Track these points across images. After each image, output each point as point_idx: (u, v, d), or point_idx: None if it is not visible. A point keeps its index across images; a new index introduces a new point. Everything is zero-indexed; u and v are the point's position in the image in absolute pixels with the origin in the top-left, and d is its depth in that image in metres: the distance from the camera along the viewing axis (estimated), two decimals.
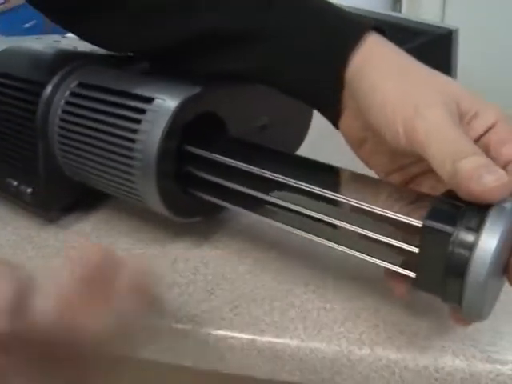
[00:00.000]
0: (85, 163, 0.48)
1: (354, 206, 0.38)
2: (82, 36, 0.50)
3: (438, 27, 0.67)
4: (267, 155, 0.45)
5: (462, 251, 0.33)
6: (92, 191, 0.51)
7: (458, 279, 0.34)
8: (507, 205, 0.34)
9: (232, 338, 0.42)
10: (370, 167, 0.44)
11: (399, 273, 0.38)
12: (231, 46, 0.44)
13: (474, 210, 0.34)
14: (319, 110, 0.44)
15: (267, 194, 0.42)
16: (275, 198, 0.42)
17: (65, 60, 0.50)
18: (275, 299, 0.44)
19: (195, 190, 0.46)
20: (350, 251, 0.40)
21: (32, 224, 0.54)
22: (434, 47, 0.66)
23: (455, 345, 0.40)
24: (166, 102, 0.43)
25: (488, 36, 1.88)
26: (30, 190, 0.50)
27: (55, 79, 0.48)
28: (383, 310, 0.43)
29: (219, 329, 0.42)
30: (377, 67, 0.40)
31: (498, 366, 0.39)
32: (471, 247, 0.33)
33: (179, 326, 0.42)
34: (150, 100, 0.44)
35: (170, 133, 0.43)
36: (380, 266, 0.38)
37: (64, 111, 0.48)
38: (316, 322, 0.42)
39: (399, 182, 0.43)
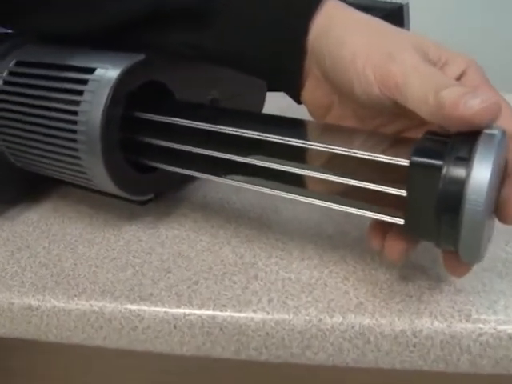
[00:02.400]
0: (28, 145, 0.41)
1: (330, 154, 0.33)
2: (23, 30, 0.44)
3: (389, 3, 0.64)
4: (223, 113, 0.40)
5: (454, 185, 0.28)
6: (37, 181, 0.45)
7: (453, 218, 0.29)
8: (496, 131, 0.29)
9: (190, 314, 0.36)
10: None
11: (385, 230, 0.33)
12: (177, 22, 0.39)
13: (463, 140, 0.29)
14: (282, 85, 0.39)
15: (221, 151, 0.37)
16: (231, 154, 0.37)
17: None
18: (236, 273, 0.38)
19: (144, 159, 0.40)
20: (330, 204, 0.35)
21: None
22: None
23: (432, 306, 0.35)
24: (108, 71, 0.37)
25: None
26: None
27: None
28: (352, 277, 0.38)
29: (178, 306, 0.36)
30: (342, 24, 0.35)
31: (480, 325, 0.34)
32: (464, 179, 0.28)
33: (133, 306, 0.37)
34: (91, 70, 0.38)
35: (113, 101, 0.37)
36: (351, 231, 0.33)
37: (2, 91, 0.42)
38: (281, 292, 0.36)
39: None
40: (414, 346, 0.34)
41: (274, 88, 0.40)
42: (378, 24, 0.35)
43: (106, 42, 0.41)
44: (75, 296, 0.37)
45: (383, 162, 0.31)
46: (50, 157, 0.41)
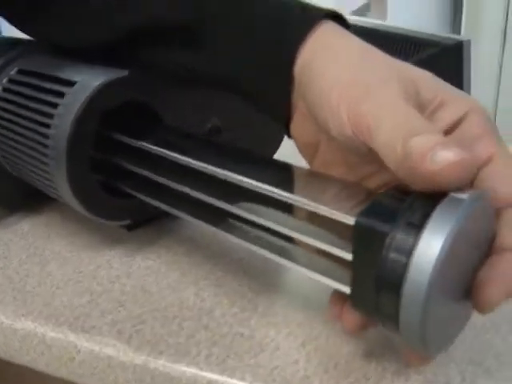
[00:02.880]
0: (14, 154, 0.41)
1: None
2: (31, 34, 0.45)
3: (449, 38, 0.57)
4: (202, 146, 0.37)
5: (397, 258, 0.23)
6: (35, 191, 0.45)
7: (393, 294, 0.23)
8: (465, 196, 0.24)
9: (124, 356, 0.33)
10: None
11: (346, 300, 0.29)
12: (174, 42, 0.37)
13: (422, 203, 0.24)
14: (269, 112, 0.36)
15: (192, 188, 0.34)
16: (200, 193, 0.34)
17: (6, 46, 0.44)
18: (188, 319, 0.35)
19: (117, 183, 0.39)
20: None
21: None
22: (443, 59, 0.57)
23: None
24: (86, 85, 0.36)
25: None
26: None
27: None
28: (311, 344, 0.33)
29: (114, 345, 0.34)
30: (326, 56, 0.31)
31: None
32: (409, 252, 0.23)
33: (72, 336, 0.34)
34: (71, 83, 0.37)
35: (84, 117, 0.35)
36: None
37: (1, 98, 0.42)
38: (225, 349, 0.33)
39: None
40: None
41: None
42: (366, 53, 0.31)
43: (109, 57, 0.40)
44: (23, 315, 0.36)
45: (329, 218, 0.27)
46: (31, 169, 0.40)
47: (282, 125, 0.35)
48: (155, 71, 0.39)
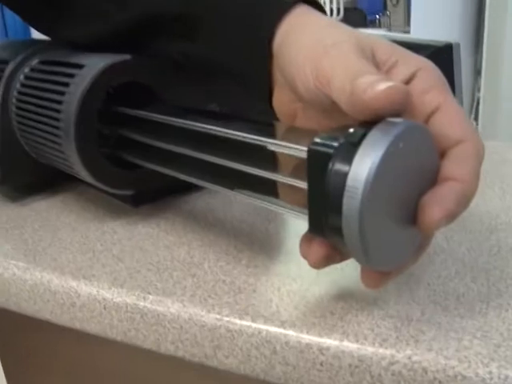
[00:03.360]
0: (31, 132, 0.46)
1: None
2: (41, 30, 0.51)
3: (437, 41, 0.61)
4: (195, 112, 0.41)
5: (338, 173, 0.26)
6: (52, 173, 0.50)
7: (335, 204, 0.27)
8: (399, 120, 0.27)
9: (118, 297, 0.37)
10: None
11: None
12: (172, 32, 0.42)
13: (363, 128, 0.27)
14: (254, 89, 0.40)
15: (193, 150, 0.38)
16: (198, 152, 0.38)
17: (31, 44, 0.50)
18: (178, 270, 0.39)
19: (122, 153, 0.43)
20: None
21: None
22: (435, 60, 0.61)
23: (350, 326, 0.32)
24: (93, 66, 0.41)
25: None
26: None
27: (18, 58, 0.48)
28: (286, 288, 0.36)
29: (109, 288, 0.37)
30: (298, 30, 0.36)
31: (393, 352, 0.31)
32: (348, 163, 0.26)
33: (73, 283, 0.38)
34: (81, 66, 0.42)
35: (89, 93, 0.40)
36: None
37: (22, 84, 0.47)
38: (207, 291, 0.36)
39: None
40: (322, 364, 0.32)
41: (248, 92, 0.41)
42: (331, 25, 0.35)
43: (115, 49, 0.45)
44: (32, 268, 0.40)
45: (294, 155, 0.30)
46: (45, 144, 0.45)
47: (266, 100, 0.40)
48: (158, 59, 0.44)
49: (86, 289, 0.38)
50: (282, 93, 0.38)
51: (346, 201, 0.26)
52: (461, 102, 0.61)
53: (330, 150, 0.27)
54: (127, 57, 0.42)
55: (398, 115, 0.28)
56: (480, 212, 0.46)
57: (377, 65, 0.32)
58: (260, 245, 0.42)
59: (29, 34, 2.88)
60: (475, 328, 0.31)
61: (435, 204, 0.28)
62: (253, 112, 0.49)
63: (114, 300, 0.37)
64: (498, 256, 0.39)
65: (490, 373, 0.28)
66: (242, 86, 0.41)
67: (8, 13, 3.01)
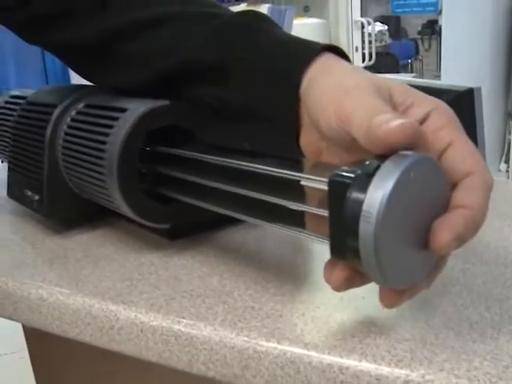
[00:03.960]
0: (76, 170, 0.51)
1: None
2: (85, 76, 0.56)
3: (459, 86, 0.64)
4: (229, 151, 0.45)
5: (355, 201, 0.30)
6: (94, 208, 0.54)
7: (353, 228, 0.30)
8: (409, 152, 0.31)
9: (154, 321, 0.40)
10: None
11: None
12: (204, 78, 0.47)
13: (378, 160, 0.31)
14: (282, 131, 0.44)
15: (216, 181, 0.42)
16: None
17: (76, 89, 0.55)
18: (210, 297, 0.42)
19: (160, 189, 0.47)
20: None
21: (39, 232, 0.57)
22: (457, 104, 0.65)
23: (369, 348, 0.35)
24: (135, 110, 0.46)
25: None
26: (37, 197, 0.53)
27: (66, 102, 0.53)
28: (310, 314, 0.39)
29: (146, 312, 0.41)
30: (324, 75, 0.40)
31: (408, 372, 0.33)
32: (364, 191, 0.30)
33: (113, 307, 0.42)
34: (124, 110, 0.47)
35: (131, 135, 0.45)
36: None
37: (69, 126, 0.52)
38: (237, 316, 0.39)
39: None
40: (342, 383, 0.34)
41: (278, 134, 0.45)
42: (353, 70, 0.39)
43: (155, 94, 0.50)
44: (75, 294, 0.44)
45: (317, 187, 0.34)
46: (88, 180, 0.49)
47: (293, 140, 0.43)
48: (195, 104, 0.49)
49: (124, 313, 0.41)
50: (308, 133, 0.42)
51: (362, 225, 0.30)
52: (483, 145, 0.64)
53: (348, 180, 0.31)
54: (166, 102, 0.47)
55: (411, 149, 0.31)
56: (496, 246, 0.48)
57: (394, 106, 0.36)
58: (287, 275, 0.45)
59: (68, 77, 3.00)
60: (486, 351, 0.34)
61: (445, 228, 0.31)
62: (281, 150, 0.53)
63: (151, 323, 0.40)
64: None
65: None
66: (272, 129, 0.45)
67: (48, 57, 3.14)
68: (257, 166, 0.39)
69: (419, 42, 4.41)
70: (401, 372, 0.33)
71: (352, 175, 0.31)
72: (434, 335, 0.36)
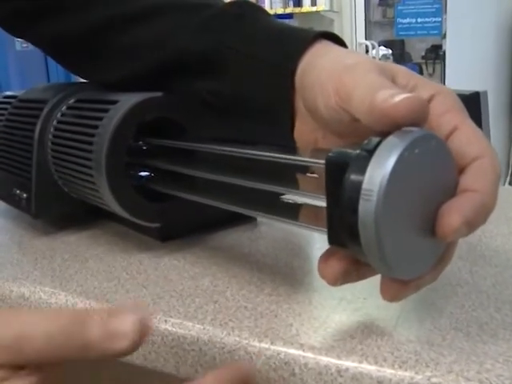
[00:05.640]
0: (65, 166, 0.49)
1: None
2: (76, 72, 0.54)
3: (466, 90, 0.62)
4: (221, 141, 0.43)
5: (354, 176, 0.27)
6: (87, 205, 0.51)
7: (353, 211, 0.27)
8: (415, 129, 0.28)
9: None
10: None
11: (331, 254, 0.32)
12: (198, 71, 0.45)
13: (379, 138, 0.28)
14: (277, 123, 0.42)
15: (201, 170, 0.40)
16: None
17: (69, 85, 0.53)
18: (201, 297, 0.40)
19: (151, 184, 0.45)
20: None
21: (27, 233, 0.55)
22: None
23: (370, 349, 0.32)
24: (126, 102, 0.44)
25: None
26: (25, 196, 0.51)
27: (56, 98, 0.51)
28: (307, 314, 0.36)
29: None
30: (320, 58, 0.38)
31: (413, 374, 0.30)
32: (363, 170, 0.27)
33: (96, 307, 0.39)
34: (115, 102, 0.45)
35: (121, 125, 0.43)
36: None
37: (59, 121, 0.50)
38: (228, 316, 0.37)
39: None
40: None
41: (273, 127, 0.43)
42: (352, 51, 0.37)
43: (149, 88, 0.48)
44: (58, 293, 0.42)
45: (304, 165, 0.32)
46: (77, 176, 0.47)
47: (288, 131, 0.41)
48: (188, 97, 0.47)
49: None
50: (303, 122, 0.40)
51: (361, 203, 0.27)
52: None
53: (347, 159, 0.28)
54: (158, 94, 0.44)
55: (416, 126, 0.29)
56: (506, 250, 0.46)
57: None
58: (283, 276, 0.43)
59: (69, 79, 3.00)
60: (498, 353, 0.31)
61: (454, 211, 0.29)
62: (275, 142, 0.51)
63: None
64: None
65: None
66: (267, 121, 0.43)
67: (51, 62, 3.14)
68: (251, 151, 0.36)
69: (423, 67, 4.42)
70: (405, 374, 0.30)
71: (351, 153, 0.28)
72: (441, 337, 0.33)
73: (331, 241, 0.30)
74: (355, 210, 0.27)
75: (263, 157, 0.35)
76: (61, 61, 0.54)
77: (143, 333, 0.28)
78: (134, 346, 0.28)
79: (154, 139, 0.45)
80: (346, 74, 0.33)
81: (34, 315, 0.28)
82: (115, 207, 0.45)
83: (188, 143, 0.42)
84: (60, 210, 0.53)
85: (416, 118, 0.29)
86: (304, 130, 0.40)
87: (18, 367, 0.27)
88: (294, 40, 0.40)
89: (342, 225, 0.28)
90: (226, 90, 0.44)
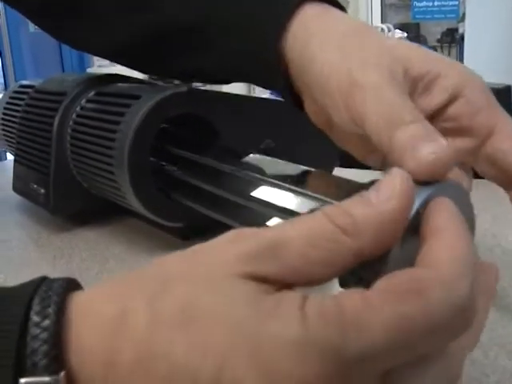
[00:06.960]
0: (84, 162, 0.47)
1: None
2: (53, 33, 0.50)
3: (498, 83, 0.60)
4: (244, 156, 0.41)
5: None
6: (106, 201, 0.50)
7: None
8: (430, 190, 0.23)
9: None
10: (349, 151, 0.36)
11: None
12: (180, 46, 0.41)
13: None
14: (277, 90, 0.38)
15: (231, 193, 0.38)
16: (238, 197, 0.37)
17: (88, 77, 0.52)
18: None
19: (171, 191, 0.43)
20: None
21: (45, 229, 0.54)
22: None
23: None
24: (149, 97, 0.42)
25: None
26: (43, 191, 0.50)
27: (76, 90, 0.49)
28: None
29: None
30: (317, 38, 0.33)
31: None
32: None
33: None
34: (137, 97, 0.43)
35: (145, 123, 0.41)
36: None
37: (78, 115, 0.48)
38: None
39: (379, 164, 0.35)
40: None
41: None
42: (354, 31, 0.33)
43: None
44: None
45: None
46: (98, 173, 0.45)
47: (289, 100, 0.37)
48: (213, 92, 0.44)
49: None
50: (311, 102, 0.36)
51: None
52: None
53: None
54: (183, 88, 0.42)
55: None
56: None
57: (413, 80, 0.30)
58: None
59: (83, 66, 2.97)
60: None
61: None
62: (312, 145, 0.48)
63: None
64: None
65: None
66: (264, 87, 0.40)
67: (65, 48, 3.10)
68: (274, 181, 0.34)
69: (438, 50, 4.35)
70: None
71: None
72: (482, 352, 0.31)
73: (342, 284, 0.28)
74: None
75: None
76: (44, 26, 0.50)
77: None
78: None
79: (173, 148, 0.43)
80: (355, 91, 0.29)
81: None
82: (138, 207, 0.43)
83: (207, 159, 0.40)
84: (78, 206, 0.52)
85: (436, 174, 0.24)
86: (314, 111, 0.36)
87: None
88: (281, 2, 0.35)
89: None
90: (212, 65, 0.40)
